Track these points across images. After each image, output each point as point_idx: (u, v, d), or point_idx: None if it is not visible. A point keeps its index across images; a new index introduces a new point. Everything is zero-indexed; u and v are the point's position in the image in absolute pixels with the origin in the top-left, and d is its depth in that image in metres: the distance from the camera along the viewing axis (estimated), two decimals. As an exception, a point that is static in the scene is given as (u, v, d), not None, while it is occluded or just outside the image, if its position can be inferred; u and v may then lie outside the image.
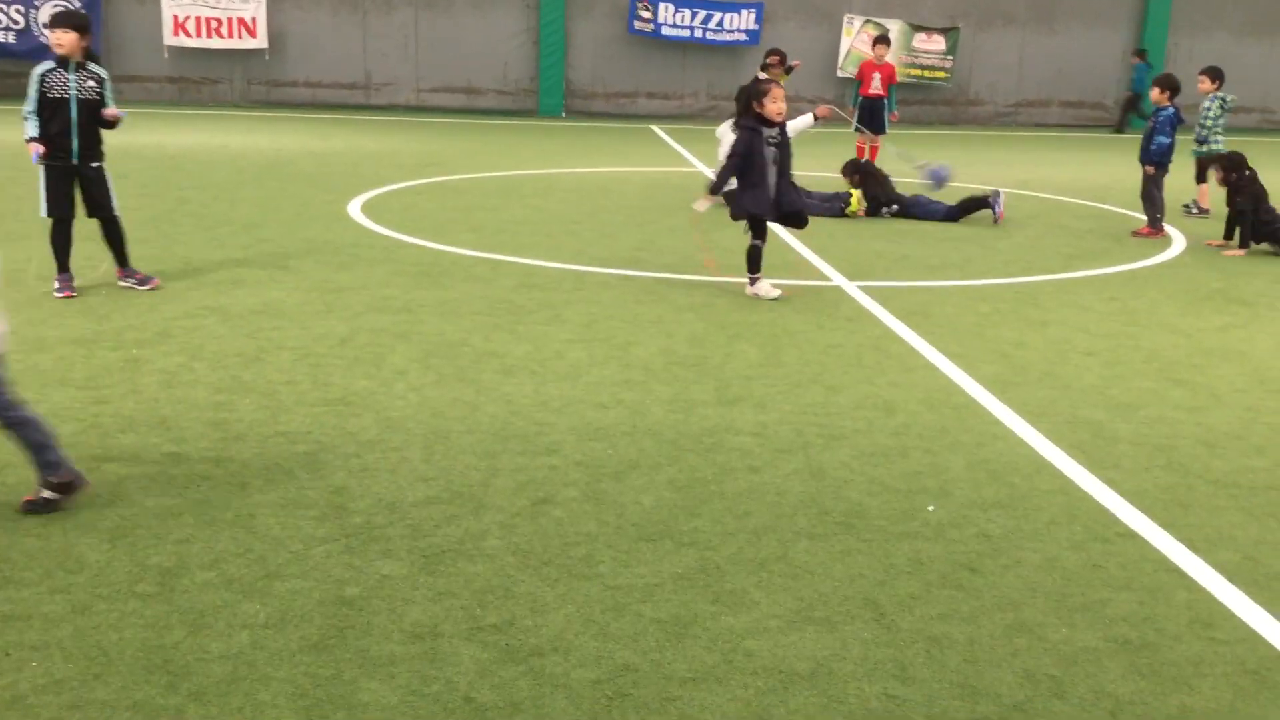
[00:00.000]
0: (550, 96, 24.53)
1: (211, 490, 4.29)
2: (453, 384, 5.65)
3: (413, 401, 5.37)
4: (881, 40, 15.40)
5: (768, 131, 7.57)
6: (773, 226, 8.14)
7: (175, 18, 23.24)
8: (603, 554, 3.86)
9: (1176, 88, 10.85)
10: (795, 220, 7.85)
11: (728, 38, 24.65)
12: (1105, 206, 12.92)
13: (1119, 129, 24.47)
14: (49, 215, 7.11)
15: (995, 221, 11.22)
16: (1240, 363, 6.48)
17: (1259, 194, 10.12)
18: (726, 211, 11.50)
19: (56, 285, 7.16)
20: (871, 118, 14.74)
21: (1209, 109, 12.26)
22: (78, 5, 22.54)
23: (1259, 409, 5.65)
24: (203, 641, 3.24)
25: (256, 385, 5.55)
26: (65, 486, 4.05)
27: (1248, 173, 10.23)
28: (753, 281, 7.75)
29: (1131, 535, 4.14)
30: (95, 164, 7.17)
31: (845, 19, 24.77)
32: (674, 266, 8.73)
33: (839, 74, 24.71)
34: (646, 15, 24.35)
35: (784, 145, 7.65)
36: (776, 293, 7.67)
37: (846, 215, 11.48)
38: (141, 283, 7.40)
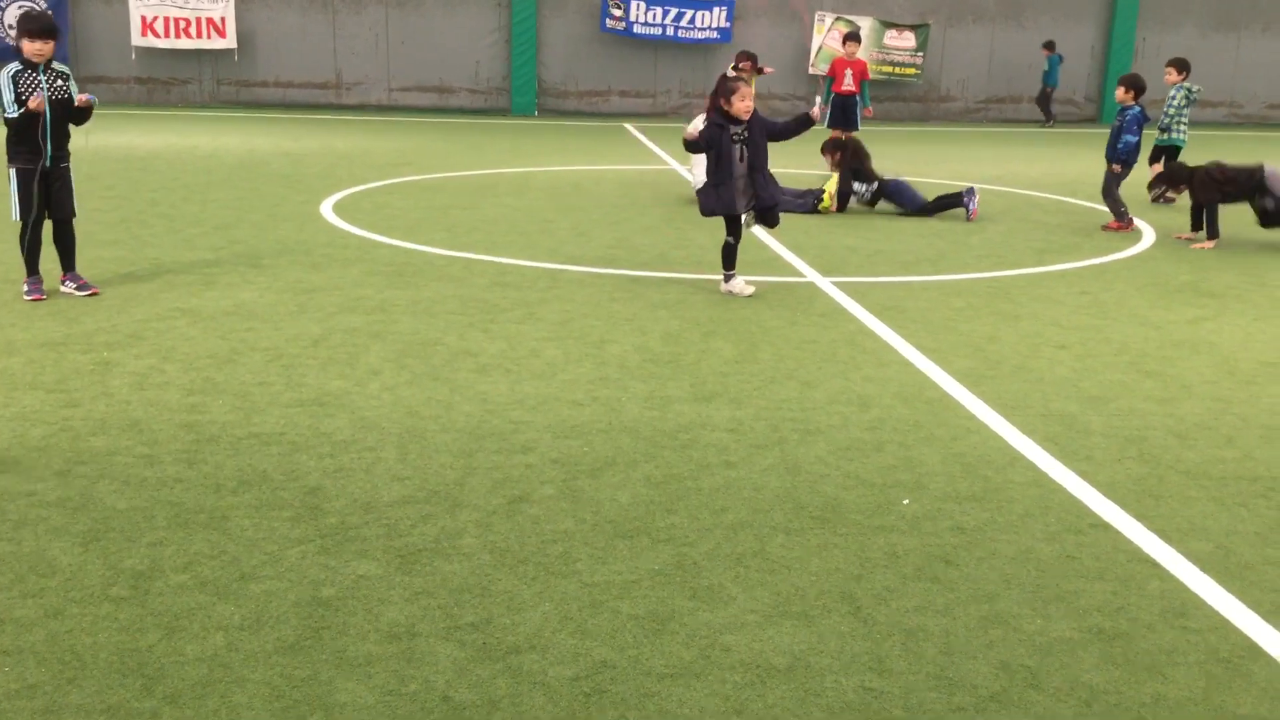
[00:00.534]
0: (523, 95, 24.48)
1: (184, 492, 4.26)
2: (427, 383, 5.64)
3: (387, 401, 5.35)
4: (852, 37, 15.44)
5: (734, 128, 7.59)
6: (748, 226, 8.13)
7: (143, 18, 23.04)
8: (579, 551, 3.86)
9: (1142, 87, 10.89)
10: (767, 217, 7.86)
11: (699, 36, 24.66)
12: (1075, 201, 13.01)
13: (1045, 123, 24.75)
14: (21, 218, 7.03)
15: (968, 219, 11.27)
16: (1210, 354, 6.54)
17: (1230, 178, 10.09)
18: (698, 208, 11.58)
19: (26, 288, 7.09)
20: (844, 114, 14.78)
21: (1174, 98, 12.36)
22: (44, 6, 22.33)
23: (1229, 400, 5.71)
24: (177, 644, 3.21)
25: (229, 386, 5.52)
26: None
27: (1199, 173, 10.21)
28: (727, 279, 7.76)
29: (1104, 526, 4.17)
30: (64, 164, 7.12)
31: (816, 16, 24.82)
32: (648, 264, 8.73)
33: (810, 71, 24.77)
34: (618, 14, 24.33)
35: (751, 141, 7.65)
36: (750, 290, 7.68)
37: (819, 211, 11.52)
38: (82, 289, 7.26)
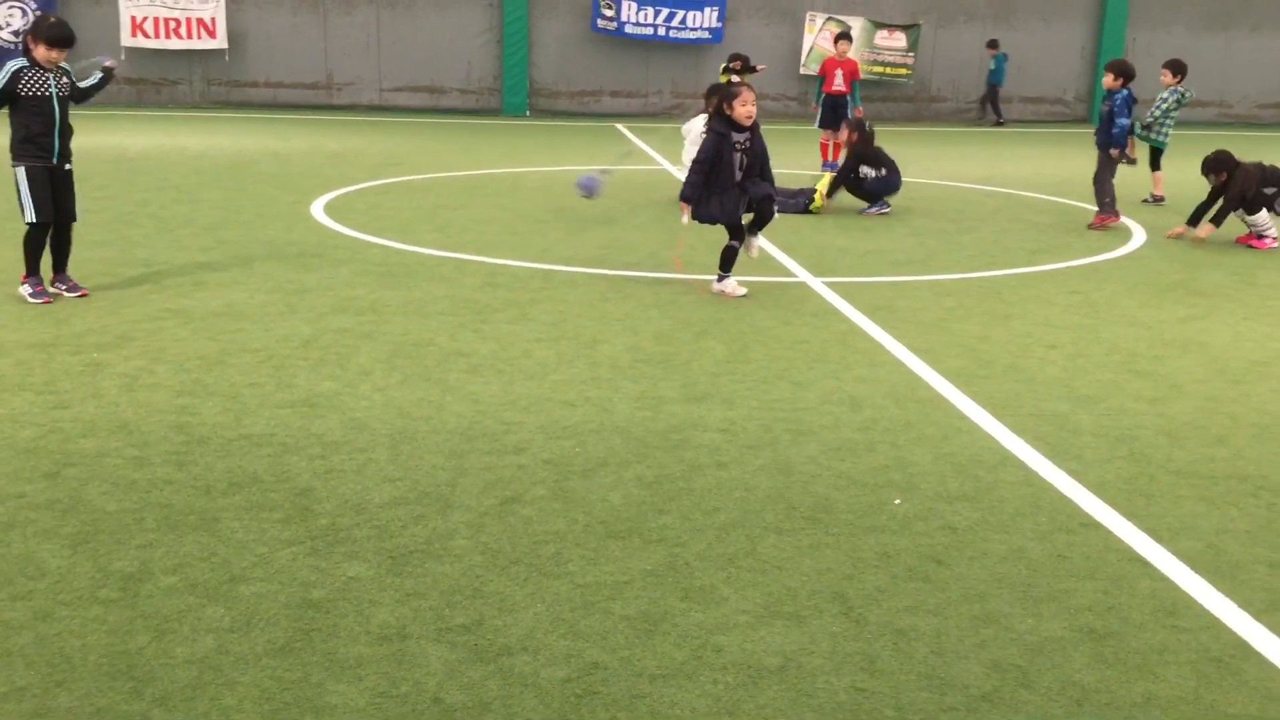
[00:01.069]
0: (514, 95, 24.47)
1: (174, 494, 4.25)
2: (419, 384, 5.63)
3: (378, 402, 5.34)
4: (843, 37, 15.47)
5: (736, 136, 7.51)
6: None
7: (133, 19, 22.99)
8: (571, 552, 3.85)
9: (1131, 73, 10.95)
10: (763, 206, 7.67)
11: (691, 36, 24.67)
12: (1066, 201, 13.04)
13: (979, 120, 24.81)
14: (39, 220, 6.97)
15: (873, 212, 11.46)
16: (1200, 354, 6.56)
17: (1271, 179, 10.07)
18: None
19: (30, 290, 7.03)
20: (835, 114, 14.80)
21: (1165, 100, 12.37)
22: (33, 7, 22.27)
23: (1219, 399, 5.72)
24: (167, 646, 3.20)
25: (219, 388, 5.50)
26: None
27: (1247, 165, 10.10)
28: (720, 279, 7.75)
29: (1095, 525, 4.18)
30: (68, 166, 7.11)
31: (807, 16, 24.84)
32: (640, 264, 8.72)
33: (802, 71, 24.79)
34: (609, 14, 24.32)
35: (753, 150, 7.58)
36: (742, 291, 7.67)
37: (811, 212, 11.52)
38: (72, 290, 7.23)
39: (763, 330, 6.82)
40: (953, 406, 5.50)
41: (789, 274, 8.52)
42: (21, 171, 6.90)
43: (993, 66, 24.61)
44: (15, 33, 22.08)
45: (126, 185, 12.27)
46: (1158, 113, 12.42)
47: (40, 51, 6.79)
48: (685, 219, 7.73)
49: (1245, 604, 3.61)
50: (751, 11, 24.93)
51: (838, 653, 3.27)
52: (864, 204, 11.67)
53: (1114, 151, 10.88)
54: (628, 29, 24.47)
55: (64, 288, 7.23)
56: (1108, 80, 11.01)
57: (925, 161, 17.03)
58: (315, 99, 24.26)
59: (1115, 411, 5.48)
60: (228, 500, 4.20)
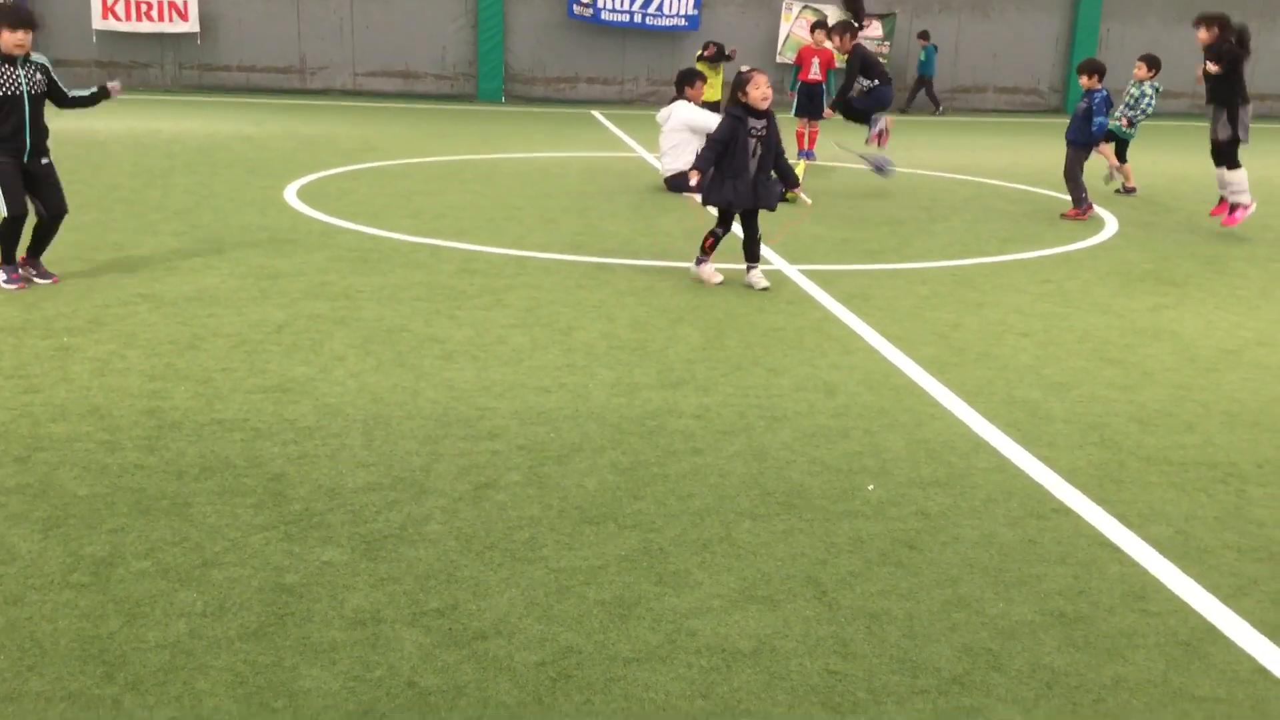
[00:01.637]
0: (489, 81, 24.37)
1: (146, 479, 4.22)
2: (393, 369, 5.61)
3: (352, 388, 5.32)
4: (820, 25, 15.47)
5: (753, 122, 7.44)
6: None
7: (104, 1, 22.75)
8: (546, 537, 3.85)
9: (1104, 71, 11.04)
10: (754, 212, 7.72)
11: (667, 23, 24.64)
12: (1039, 190, 13.12)
13: (906, 110, 24.83)
14: (11, 213, 6.87)
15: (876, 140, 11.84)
16: (1171, 342, 6.62)
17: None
18: (671, 196, 11.58)
19: (5, 277, 6.95)
20: (811, 102, 14.82)
21: (1145, 95, 12.39)
22: (2, -13, 21.97)
23: (1189, 387, 5.78)
24: (139, 631, 3.18)
25: (191, 373, 5.47)
26: None
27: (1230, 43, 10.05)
28: (699, 262, 7.75)
29: (1066, 511, 4.21)
30: (45, 160, 7.01)
31: (784, 4, 24.84)
32: (615, 251, 8.72)
33: (778, 59, 24.80)
34: (585, 0, 24.25)
35: (768, 139, 7.53)
36: (719, 278, 7.68)
37: (787, 200, 11.51)
38: (42, 276, 7.15)
39: (738, 317, 6.84)
40: (926, 393, 5.53)
41: (765, 262, 8.53)
42: None
43: (923, 58, 24.67)
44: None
45: (97, 169, 12.15)
46: (1144, 105, 12.38)
47: (5, 37, 6.64)
48: (693, 181, 7.62)
49: (1213, 588, 3.65)
50: (728, -1, 24.91)
51: (811, 636, 3.29)
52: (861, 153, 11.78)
53: (1102, 148, 11.02)
54: (604, 15, 24.42)
55: (34, 272, 7.15)
56: (1084, 80, 11.07)
57: (899, 150, 17.07)
58: (288, 83, 24.09)
59: (1086, 399, 5.52)
60: (200, 485, 4.18)
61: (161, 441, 4.58)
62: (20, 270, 7.04)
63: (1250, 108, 10.12)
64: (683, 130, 11.69)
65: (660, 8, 24.47)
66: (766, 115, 7.51)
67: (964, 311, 7.17)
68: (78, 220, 9.07)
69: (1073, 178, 11.06)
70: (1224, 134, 10.06)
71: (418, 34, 24.26)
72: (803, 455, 4.67)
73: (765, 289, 7.51)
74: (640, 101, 24.75)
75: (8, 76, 6.70)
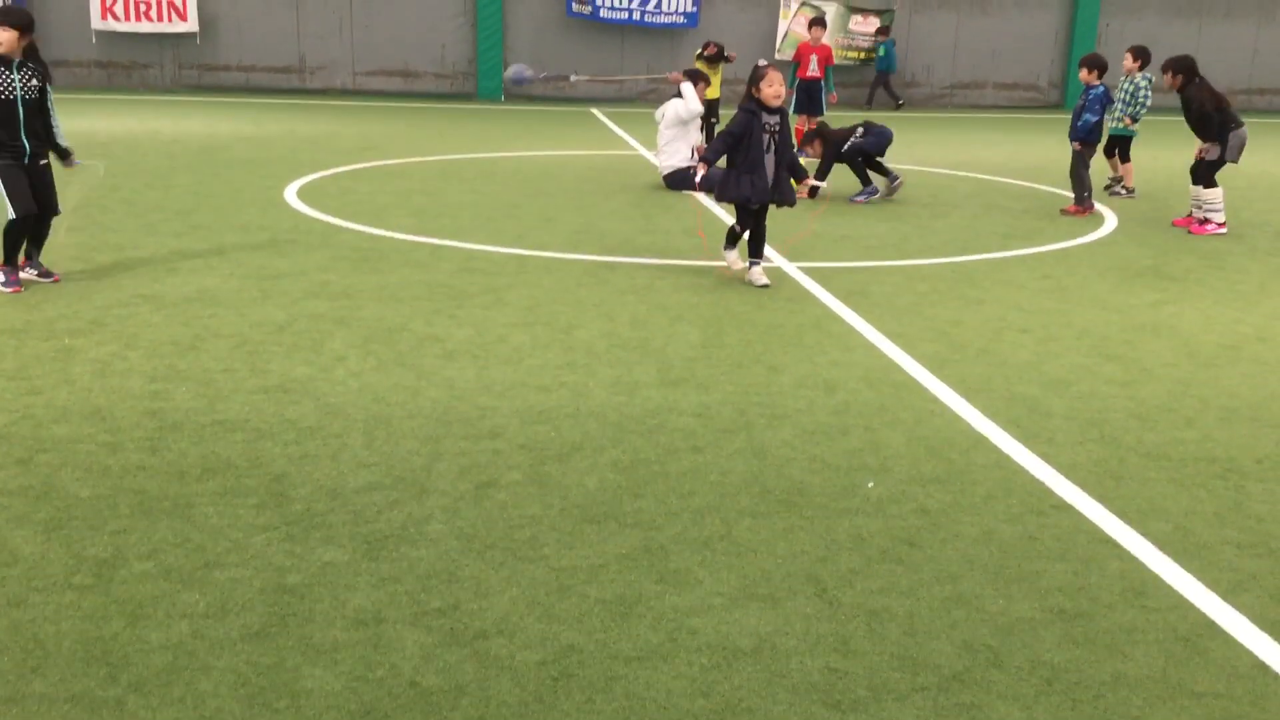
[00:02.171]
0: (489, 80, 24.36)
1: (148, 480, 4.23)
2: (393, 369, 5.62)
3: (353, 387, 5.33)
4: (817, 22, 15.48)
5: (767, 118, 7.43)
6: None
7: (103, 1, 22.74)
8: (547, 536, 3.86)
9: (1105, 66, 11.01)
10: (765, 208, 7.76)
11: (666, 20, 24.61)
12: (1039, 186, 13.11)
13: (868, 106, 24.58)
14: (20, 213, 6.87)
15: (890, 192, 11.40)
16: (1170, 338, 6.62)
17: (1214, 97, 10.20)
18: (671, 193, 11.59)
19: (4, 279, 6.94)
20: (810, 100, 14.82)
21: (1140, 87, 12.27)
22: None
23: (1188, 383, 5.78)
24: (142, 632, 3.20)
25: (193, 373, 5.48)
26: None
27: (1198, 79, 10.26)
28: (727, 248, 7.83)
29: (1066, 507, 4.22)
30: (43, 161, 7.02)
31: (782, 1, 24.82)
32: (615, 249, 8.72)
33: (777, 56, 24.77)
34: (584, -2, 24.22)
35: (783, 134, 7.53)
36: (741, 264, 7.75)
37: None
38: (44, 276, 7.16)
39: (737, 315, 6.84)
40: (925, 390, 5.54)
41: (764, 259, 8.53)
42: None
43: (880, 53, 24.58)
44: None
45: (90, 173, 12.14)
46: (1147, 101, 12.24)
47: (1, 36, 6.64)
48: (699, 175, 7.65)
49: (1213, 584, 3.66)
50: (727, -4, 24.89)
51: (811, 634, 3.30)
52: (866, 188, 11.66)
53: (1075, 145, 10.94)
54: (603, 13, 24.39)
55: (35, 272, 7.16)
56: (1083, 75, 11.04)
57: (899, 146, 17.03)
58: (288, 83, 24.08)
59: (1086, 395, 5.53)
60: (202, 486, 4.19)
61: (163, 442, 4.59)
62: (20, 274, 7.05)
63: (1244, 131, 10.11)
64: (676, 125, 11.70)
65: (659, 5, 24.45)
66: (779, 112, 7.52)
67: (964, 308, 7.18)
68: (78, 221, 9.08)
69: (1075, 175, 11.05)
70: (1212, 154, 10.11)
71: (417, 33, 24.25)
72: (803, 453, 4.68)
73: (765, 286, 7.52)
74: (640, 99, 24.73)
75: (1, 79, 6.70)
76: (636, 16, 24.47)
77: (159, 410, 4.96)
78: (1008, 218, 10.81)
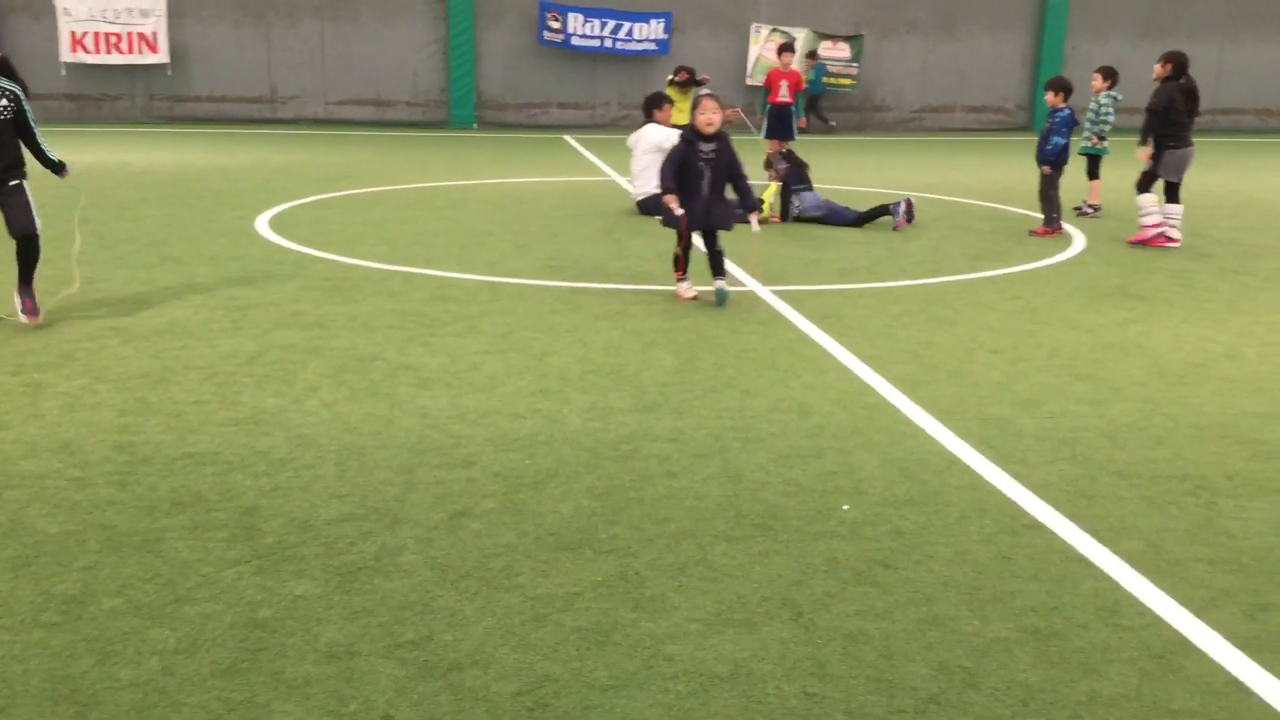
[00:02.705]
0: (461, 108, 24.42)
1: (117, 515, 4.19)
2: (366, 399, 5.59)
3: (325, 418, 5.30)
4: (787, 48, 15.59)
5: (703, 146, 7.68)
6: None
7: (73, 34, 22.69)
8: (522, 565, 3.84)
9: (1070, 89, 11.15)
10: (711, 231, 7.94)
11: (637, 47, 24.77)
12: (1007, 208, 13.22)
13: (805, 129, 24.84)
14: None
15: (895, 228, 11.38)
16: (1139, 356, 6.68)
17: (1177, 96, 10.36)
18: (644, 219, 11.61)
19: (20, 304, 6.81)
20: (781, 125, 14.91)
21: (1102, 104, 12.44)
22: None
23: (1158, 401, 5.83)
24: (111, 669, 3.16)
25: (163, 406, 5.43)
26: None
27: (1184, 80, 10.44)
28: (678, 281, 7.97)
29: (1039, 527, 4.23)
30: (14, 182, 6.93)
31: (753, 28, 25.02)
32: (589, 275, 8.73)
33: (748, 82, 24.95)
34: (556, 25, 24.36)
35: (718, 161, 7.71)
36: (692, 293, 7.84)
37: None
38: (27, 311, 6.86)
39: (711, 339, 6.86)
40: (899, 412, 5.56)
41: (737, 283, 8.56)
42: None
43: (811, 77, 24.85)
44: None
45: (68, 202, 12.06)
46: (1109, 118, 12.41)
47: None
48: (676, 209, 7.70)
49: (1185, 601, 3.68)
50: (698, 23, 25.08)
51: (788, 658, 3.29)
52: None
53: (1045, 168, 11.04)
54: (574, 41, 24.53)
55: (19, 307, 6.88)
56: (1049, 98, 11.17)
57: (869, 170, 17.20)
58: (259, 113, 24.06)
59: (1057, 414, 5.56)
60: (171, 520, 4.15)
61: (133, 477, 4.55)
62: (34, 299, 6.89)
63: (1186, 153, 10.30)
64: (653, 152, 11.75)
65: (630, 32, 24.60)
66: (717, 139, 7.69)
67: (935, 330, 7.22)
68: (47, 254, 8.99)
69: (1045, 197, 11.15)
70: (1152, 165, 10.36)
71: (389, 62, 24.30)
72: (778, 476, 4.68)
73: (726, 295, 7.77)
74: (612, 126, 24.83)
75: None
76: (608, 44, 24.63)
77: (128, 444, 4.92)
78: (977, 239, 10.89)
